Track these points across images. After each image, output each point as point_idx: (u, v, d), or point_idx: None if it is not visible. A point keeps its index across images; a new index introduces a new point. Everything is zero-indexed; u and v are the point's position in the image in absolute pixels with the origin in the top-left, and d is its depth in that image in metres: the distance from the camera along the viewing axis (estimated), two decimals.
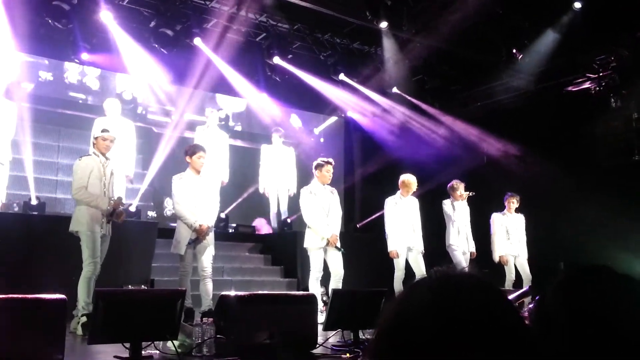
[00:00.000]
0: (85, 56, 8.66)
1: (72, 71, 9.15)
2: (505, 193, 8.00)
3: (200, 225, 5.95)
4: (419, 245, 7.14)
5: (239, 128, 10.59)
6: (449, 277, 0.85)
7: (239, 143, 10.12)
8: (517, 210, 7.96)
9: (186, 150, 6.28)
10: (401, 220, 7.13)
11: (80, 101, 9.17)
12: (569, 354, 0.98)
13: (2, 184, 7.07)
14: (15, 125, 7.12)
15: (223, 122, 10.06)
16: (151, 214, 8.67)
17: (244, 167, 9.74)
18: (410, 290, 0.86)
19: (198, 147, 6.22)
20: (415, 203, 7.32)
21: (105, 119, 7.77)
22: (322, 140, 11.29)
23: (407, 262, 7.08)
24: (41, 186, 7.90)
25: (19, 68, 8.56)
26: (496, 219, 7.90)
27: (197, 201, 6.05)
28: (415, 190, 7.30)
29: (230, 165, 9.13)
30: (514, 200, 7.88)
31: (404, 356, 0.78)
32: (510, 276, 7.66)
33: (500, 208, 8.00)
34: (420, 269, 6.99)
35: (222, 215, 8.30)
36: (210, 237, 6.13)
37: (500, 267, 7.67)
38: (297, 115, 10.96)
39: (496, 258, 7.74)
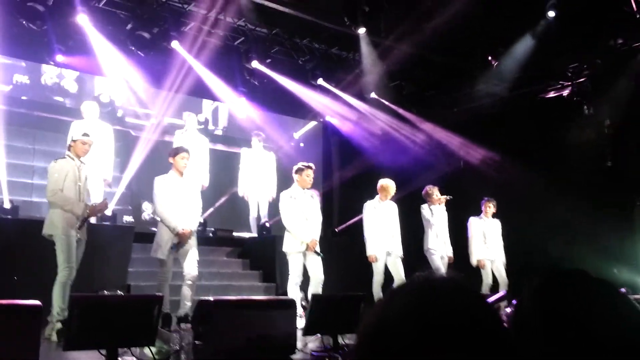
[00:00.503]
0: (60, 58, 8.52)
1: (49, 74, 9.00)
2: (482, 198, 8.09)
3: (182, 230, 5.88)
4: (397, 250, 7.16)
5: (218, 132, 10.53)
6: (431, 282, 0.85)
7: (217, 147, 10.06)
8: (494, 215, 8.06)
9: (170, 152, 6.23)
10: (380, 224, 7.15)
11: (58, 104, 9.01)
12: (545, 358, 0.98)
13: None
14: None
15: (202, 126, 9.99)
16: (128, 218, 8.55)
17: (223, 170, 9.69)
18: (391, 295, 0.86)
19: (181, 148, 6.16)
20: (394, 208, 7.35)
21: (83, 121, 7.66)
22: (301, 144, 11.30)
23: (385, 266, 7.11)
24: (16, 189, 7.75)
25: None
26: (473, 223, 7.97)
27: (179, 203, 5.96)
28: (393, 194, 7.33)
29: (209, 169, 9.06)
30: (491, 205, 7.98)
31: None
32: (488, 280, 7.73)
33: (477, 212, 8.09)
34: (399, 274, 7.02)
35: (201, 220, 8.24)
36: (193, 241, 6.04)
37: (477, 272, 7.74)
38: (275, 119, 10.92)
39: (474, 262, 7.80)
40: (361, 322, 0.85)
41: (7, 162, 7.89)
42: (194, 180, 6.41)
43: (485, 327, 0.80)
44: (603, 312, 0.99)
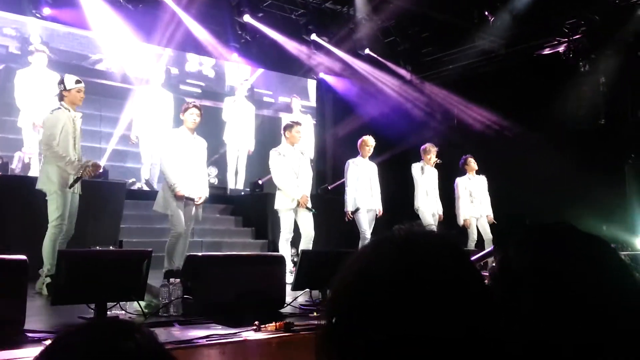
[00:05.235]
0: (47, 11, 8.33)
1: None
2: (462, 157, 8.07)
3: (178, 192, 5.64)
4: (377, 206, 7.24)
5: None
6: (415, 235, 0.83)
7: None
8: (478, 172, 8.07)
9: (181, 108, 6.06)
10: (361, 181, 7.20)
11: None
12: (531, 316, 0.94)
13: None
14: None
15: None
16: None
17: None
18: (371, 247, 0.84)
19: (191, 104, 5.96)
20: (373, 167, 7.40)
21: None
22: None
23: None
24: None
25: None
26: (460, 183, 8.04)
27: (186, 162, 5.78)
28: (372, 148, 7.29)
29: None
30: (471, 162, 7.99)
31: (364, 313, 0.76)
32: (473, 236, 7.87)
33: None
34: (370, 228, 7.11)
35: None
36: (200, 207, 5.96)
37: (463, 229, 7.83)
38: (270, 75, 10.75)
39: (460, 221, 7.92)
40: (337, 274, 0.83)
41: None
42: (204, 142, 6.09)
43: (467, 283, 0.78)
44: (593, 267, 0.96)
